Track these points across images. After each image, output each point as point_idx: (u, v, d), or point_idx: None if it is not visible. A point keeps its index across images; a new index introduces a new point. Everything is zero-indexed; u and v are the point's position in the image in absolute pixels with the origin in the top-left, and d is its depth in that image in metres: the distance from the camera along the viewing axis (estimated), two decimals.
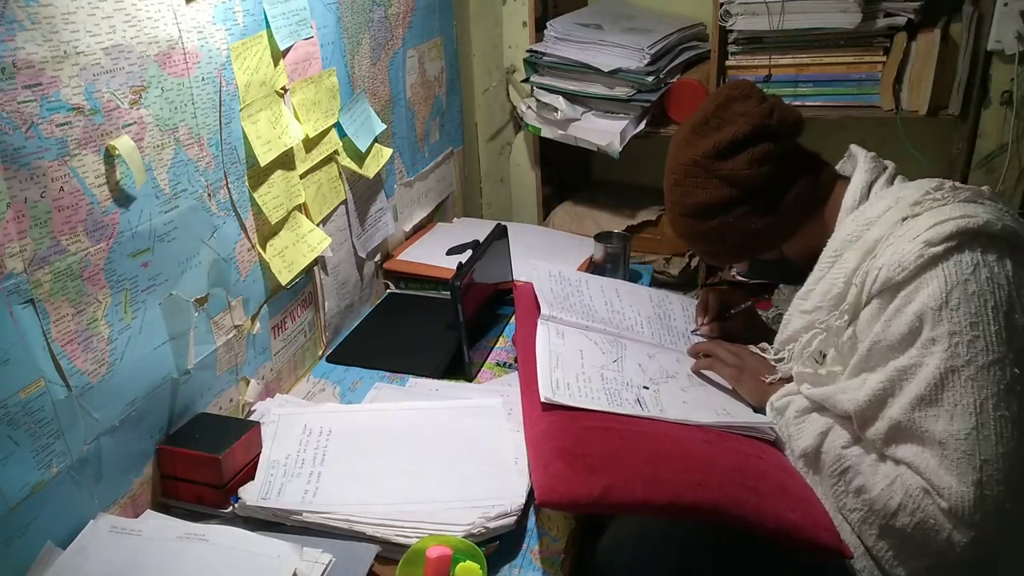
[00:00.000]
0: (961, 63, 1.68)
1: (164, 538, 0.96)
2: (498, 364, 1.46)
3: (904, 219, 0.98)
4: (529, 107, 2.01)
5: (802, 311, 1.11)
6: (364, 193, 1.61)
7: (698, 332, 1.40)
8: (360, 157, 1.55)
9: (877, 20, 1.67)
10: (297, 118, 1.34)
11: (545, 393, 1.10)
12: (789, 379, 1.14)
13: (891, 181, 1.10)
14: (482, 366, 1.44)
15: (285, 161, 1.31)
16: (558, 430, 1.05)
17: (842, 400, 1.00)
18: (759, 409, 1.17)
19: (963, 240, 0.92)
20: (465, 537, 0.97)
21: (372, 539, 0.99)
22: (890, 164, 1.14)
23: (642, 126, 1.87)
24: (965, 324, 0.90)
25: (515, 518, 1.02)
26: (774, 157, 1.11)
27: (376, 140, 1.59)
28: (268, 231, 1.29)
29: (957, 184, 1.02)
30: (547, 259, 1.75)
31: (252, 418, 1.24)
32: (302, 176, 1.37)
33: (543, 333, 1.25)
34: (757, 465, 1.04)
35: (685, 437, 1.07)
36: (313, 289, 1.46)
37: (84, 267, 0.93)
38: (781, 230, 1.15)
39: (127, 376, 1.01)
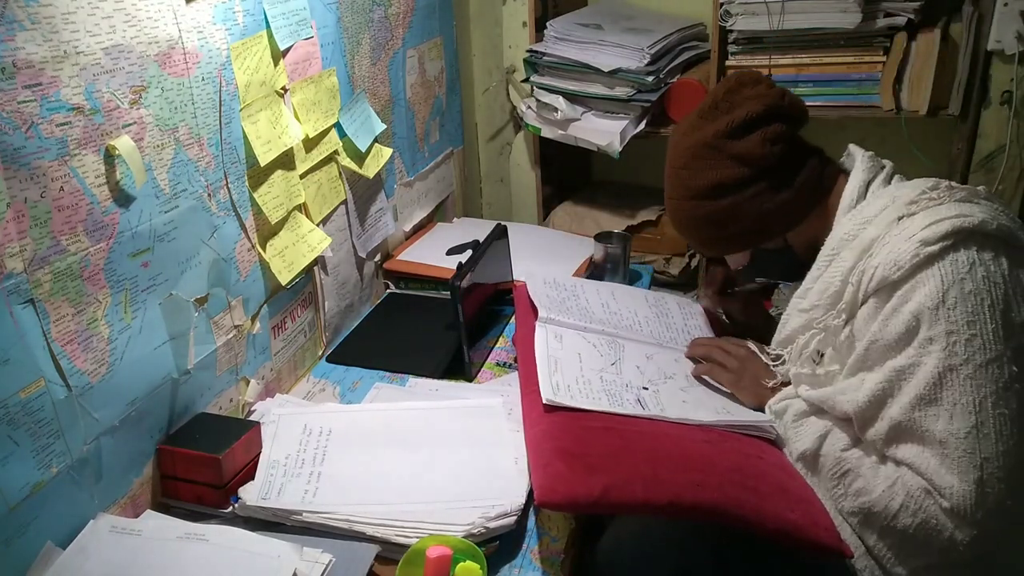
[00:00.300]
0: (961, 63, 1.68)
1: (164, 538, 0.96)
2: (498, 364, 1.46)
3: (900, 218, 0.98)
4: (529, 107, 2.01)
5: (800, 310, 1.11)
6: (364, 193, 1.61)
7: (699, 300, 1.41)
8: (360, 157, 1.55)
9: (877, 20, 1.67)
10: (297, 118, 1.34)
11: (547, 394, 1.10)
12: (788, 382, 1.14)
13: (888, 180, 1.11)
14: (482, 366, 1.44)
15: (285, 161, 1.31)
16: (558, 430, 1.05)
17: (841, 402, 1.00)
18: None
19: (959, 239, 0.92)
20: (465, 537, 0.97)
21: (372, 539, 0.99)
22: (888, 163, 1.14)
23: (642, 126, 1.87)
24: (962, 323, 0.90)
25: (515, 518, 1.02)
26: (786, 137, 1.11)
27: (376, 140, 1.59)
28: (268, 231, 1.29)
29: (953, 184, 1.03)
30: (547, 259, 1.76)
31: (252, 418, 1.24)
32: (302, 176, 1.37)
33: (541, 337, 1.25)
34: (757, 465, 1.04)
35: (685, 437, 1.07)
36: (313, 289, 1.46)
37: (84, 267, 0.93)
38: (791, 213, 1.13)
39: (127, 376, 1.01)
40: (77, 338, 0.93)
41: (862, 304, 1.00)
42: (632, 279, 1.74)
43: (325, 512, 1.02)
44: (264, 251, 1.28)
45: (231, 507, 1.06)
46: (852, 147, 1.18)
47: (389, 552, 0.98)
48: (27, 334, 0.86)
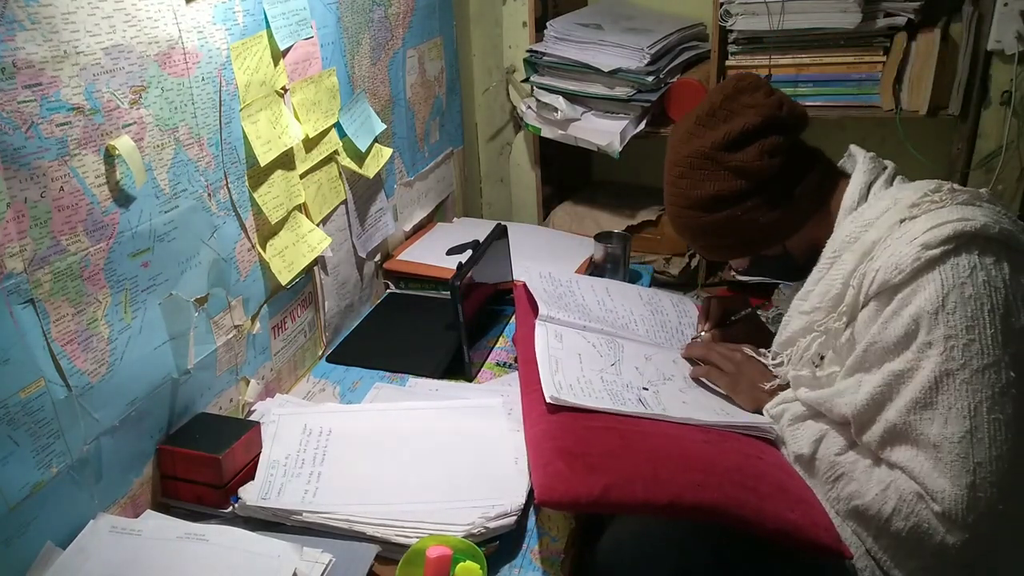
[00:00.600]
0: (961, 63, 1.68)
1: (164, 538, 0.96)
2: (498, 364, 1.46)
3: (902, 221, 0.98)
4: (529, 107, 2.01)
5: (801, 311, 1.11)
6: (364, 193, 1.61)
7: (699, 339, 1.40)
8: (360, 157, 1.55)
9: (877, 20, 1.67)
10: (297, 118, 1.34)
11: (550, 392, 1.09)
12: (786, 385, 1.14)
13: (890, 182, 1.10)
14: (482, 366, 1.44)
15: (285, 161, 1.31)
16: (559, 430, 1.05)
17: (839, 404, 1.00)
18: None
19: (960, 243, 0.92)
20: (465, 537, 0.98)
21: (372, 539, 0.99)
22: (889, 164, 1.13)
23: (642, 126, 1.87)
24: (961, 328, 0.89)
25: (515, 518, 1.02)
26: (784, 149, 1.10)
27: (376, 140, 1.59)
28: (268, 231, 1.29)
29: (955, 186, 1.02)
30: (547, 259, 1.76)
31: (252, 418, 1.24)
32: (302, 176, 1.37)
33: (541, 336, 1.25)
34: (757, 465, 1.04)
35: (685, 437, 1.07)
36: (313, 289, 1.46)
37: (84, 267, 0.93)
38: (788, 224, 1.13)
39: (127, 376, 1.01)
40: (77, 338, 0.93)
41: (863, 307, 0.99)
42: (632, 279, 1.74)
43: (325, 512, 1.02)
44: (264, 251, 1.28)
45: (231, 507, 1.06)
46: (853, 148, 1.18)
47: (389, 552, 0.99)
48: (27, 334, 0.86)
